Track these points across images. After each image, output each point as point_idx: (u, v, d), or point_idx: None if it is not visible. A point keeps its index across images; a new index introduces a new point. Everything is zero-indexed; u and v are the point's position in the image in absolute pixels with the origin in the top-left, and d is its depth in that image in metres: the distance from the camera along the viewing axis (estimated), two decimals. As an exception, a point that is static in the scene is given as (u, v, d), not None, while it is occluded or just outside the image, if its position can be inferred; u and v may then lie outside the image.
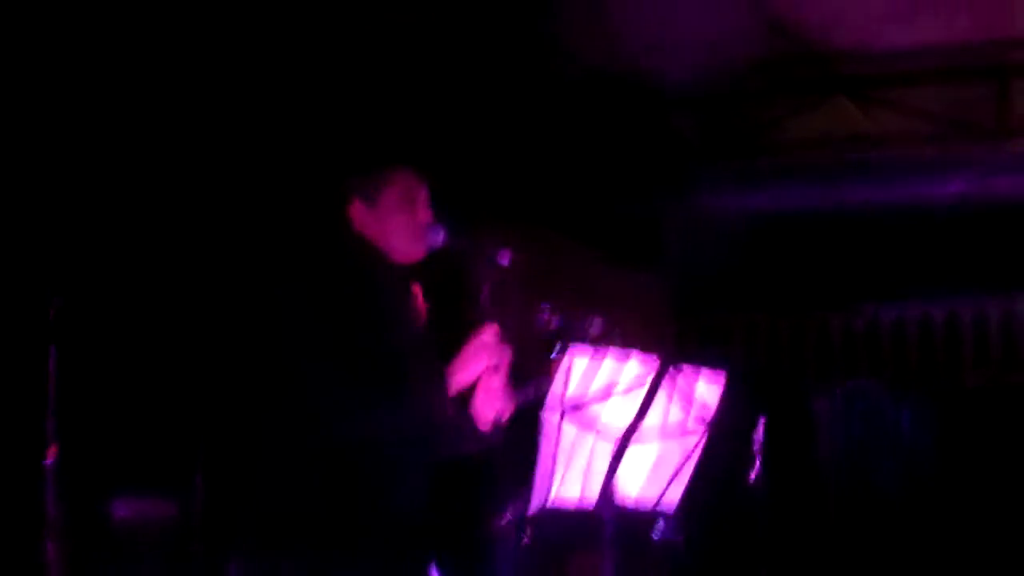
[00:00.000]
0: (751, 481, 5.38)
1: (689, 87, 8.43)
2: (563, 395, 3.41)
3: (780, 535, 5.99)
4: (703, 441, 3.62)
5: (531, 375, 4.23)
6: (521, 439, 3.54)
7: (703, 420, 3.58)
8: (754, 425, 5.32)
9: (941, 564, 8.57)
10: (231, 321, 6.06)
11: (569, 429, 3.44)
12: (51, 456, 4.87)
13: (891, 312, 9.89)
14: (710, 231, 10.13)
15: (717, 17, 7.45)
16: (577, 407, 3.43)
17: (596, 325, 4.24)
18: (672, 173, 9.28)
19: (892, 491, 9.10)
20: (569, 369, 3.41)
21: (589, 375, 3.45)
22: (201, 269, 6.31)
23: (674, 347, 9.38)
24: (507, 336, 3.62)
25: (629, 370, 3.48)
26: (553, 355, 3.42)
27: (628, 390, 3.47)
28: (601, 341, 4.16)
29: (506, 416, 3.59)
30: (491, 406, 3.55)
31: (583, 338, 4.15)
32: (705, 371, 3.60)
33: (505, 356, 3.58)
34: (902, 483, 9.07)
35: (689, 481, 3.65)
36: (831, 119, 8.71)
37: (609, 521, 3.55)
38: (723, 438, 3.96)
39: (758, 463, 5.36)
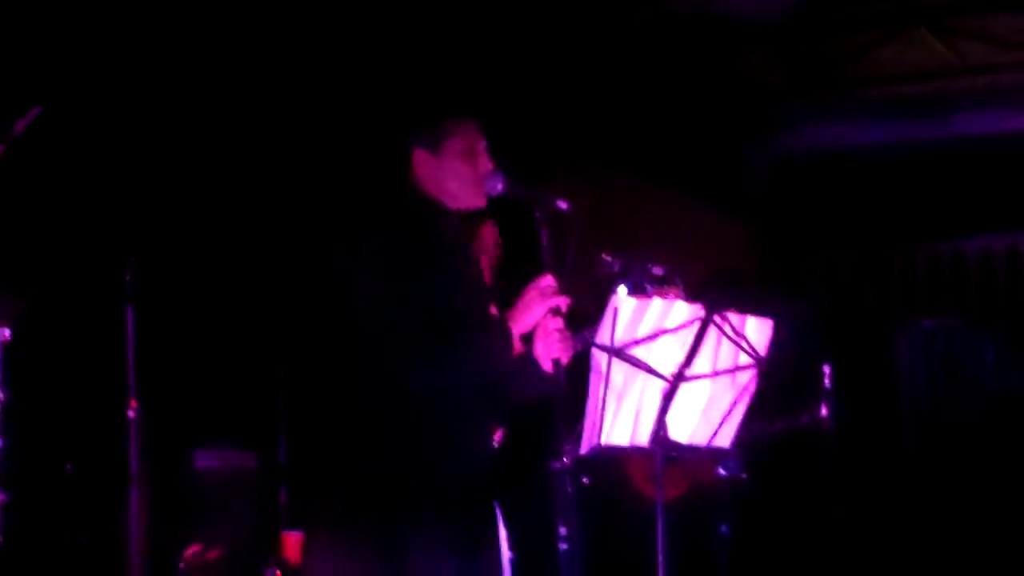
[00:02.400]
0: (820, 420, 5.47)
1: (765, 22, 8.39)
2: (612, 337, 3.49)
3: (854, 475, 6.04)
4: (755, 381, 3.68)
5: (590, 320, 4.36)
6: (578, 382, 3.63)
7: (755, 361, 3.64)
8: (820, 366, 5.40)
9: (1022, 509, 8.54)
10: (303, 275, 6.19)
11: (618, 370, 3.52)
12: (133, 410, 5.08)
13: (977, 245, 9.80)
14: (790, 169, 10.11)
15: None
16: (626, 348, 3.51)
17: (658, 269, 4.36)
18: (749, 110, 9.26)
19: (973, 432, 9.05)
20: (617, 311, 3.48)
21: (637, 317, 3.52)
22: (272, 225, 6.42)
23: (752, 291, 9.37)
24: (566, 282, 3.68)
25: (676, 313, 3.55)
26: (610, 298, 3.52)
27: (676, 333, 3.54)
28: (663, 285, 4.28)
29: (566, 360, 3.63)
30: (551, 350, 3.61)
31: (643, 283, 4.28)
32: (753, 317, 3.65)
33: (564, 301, 3.63)
34: (981, 423, 9.01)
35: (743, 421, 3.71)
36: (911, 51, 8.64)
37: (661, 460, 3.66)
38: (784, 379, 4.05)
39: (826, 403, 5.45)
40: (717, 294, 4.36)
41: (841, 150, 9.89)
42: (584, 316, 4.16)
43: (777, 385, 3.95)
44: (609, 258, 4.36)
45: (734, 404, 3.67)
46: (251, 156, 6.41)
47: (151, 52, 6.00)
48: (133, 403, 5.07)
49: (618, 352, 3.51)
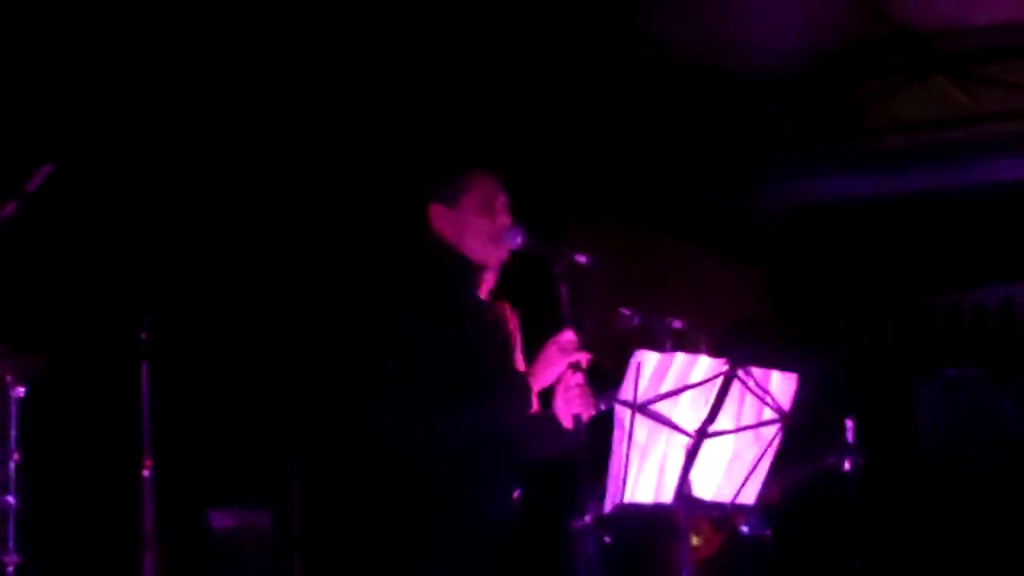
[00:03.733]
0: (844, 473, 5.47)
1: (779, 71, 8.43)
2: (635, 392, 3.51)
3: (875, 525, 6.03)
4: (779, 437, 3.69)
5: (612, 375, 4.38)
6: (600, 439, 3.64)
7: (779, 416, 3.66)
8: (843, 419, 5.40)
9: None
10: (318, 330, 6.22)
11: (641, 427, 3.53)
12: (148, 469, 5.11)
13: (998, 294, 9.79)
14: (806, 219, 10.12)
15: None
16: (649, 404, 3.53)
17: (678, 324, 4.39)
18: (763, 160, 9.27)
19: (993, 481, 9.02)
20: (639, 367, 3.50)
21: (659, 373, 3.54)
22: (286, 280, 6.45)
23: (772, 343, 9.37)
24: (586, 337, 3.71)
25: (699, 369, 3.56)
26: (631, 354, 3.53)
27: (699, 389, 3.56)
28: (682, 340, 4.31)
29: (587, 416, 3.67)
30: (572, 406, 3.65)
31: (663, 338, 4.30)
32: (777, 371, 3.66)
33: (584, 357, 3.68)
34: (1003, 474, 8.98)
35: (767, 476, 3.71)
36: (928, 99, 8.66)
37: (686, 518, 3.67)
38: (807, 432, 4.06)
39: (851, 456, 5.45)
40: (740, 348, 4.39)
41: (858, 199, 9.89)
42: (604, 372, 4.19)
43: (800, 439, 3.96)
44: (628, 312, 4.39)
45: (758, 460, 3.69)
46: (268, 212, 6.45)
47: (166, 110, 6.06)
48: (148, 462, 5.09)
49: (641, 408, 3.53)
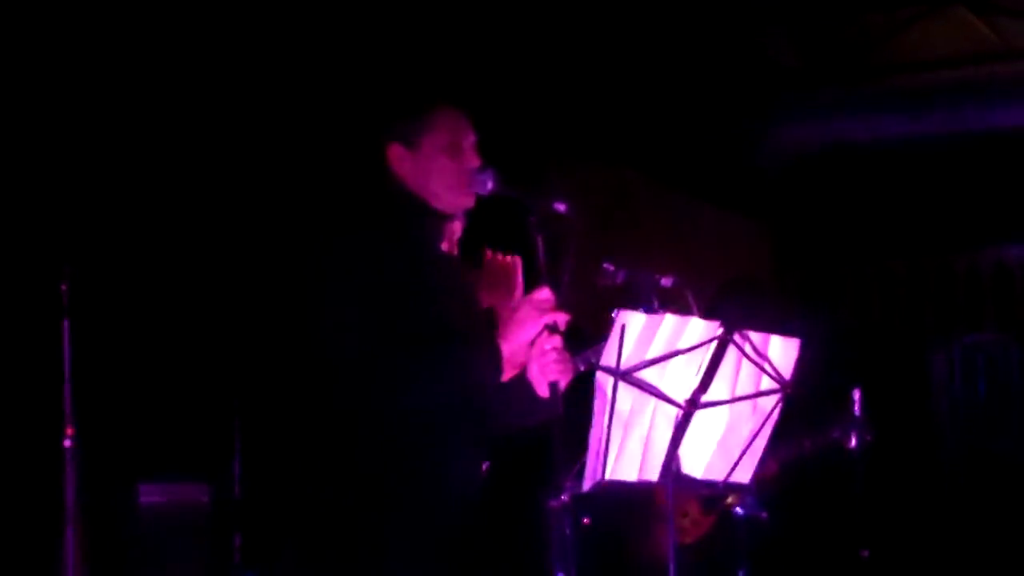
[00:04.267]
0: (850, 449, 5.48)
1: (783, 2, 8.42)
2: (618, 359, 3.49)
3: (884, 509, 6.06)
4: (779, 409, 3.68)
5: (591, 338, 4.35)
6: (578, 409, 3.62)
7: (779, 386, 3.64)
8: (849, 389, 5.41)
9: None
10: (264, 285, 6.20)
11: (625, 396, 3.52)
12: (69, 438, 5.07)
13: (1021, 254, 9.82)
14: (812, 166, 10.12)
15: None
16: (634, 371, 3.50)
17: (666, 281, 4.36)
18: (765, 99, 9.27)
19: (1017, 460, 9.07)
20: (623, 329, 3.48)
21: (646, 337, 3.52)
22: (229, 229, 6.41)
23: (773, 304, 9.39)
24: (565, 295, 3.69)
25: (691, 332, 3.55)
26: (613, 314, 3.52)
27: (691, 354, 3.54)
28: (671, 300, 4.28)
29: (564, 384, 3.65)
30: (547, 372, 3.63)
31: (650, 296, 4.27)
32: (777, 336, 3.65)
33: (562, 317, 3.66)
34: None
35: (764, 452, 3.71)
36: (948, 33, 8.65)
37: (673, 497, 3.66)
38: (810, 404, 4.06)
39: (858, 430, 5.46)
40: (735, 309, 4.37)
41: (868, 145, 9.90)
42: (585, 332, 4.16)
43: (802, 411, 3.96)
44: (612, 268, 4.37)
45: (755, 433, 3.67)
46: (206, 149, 6.41)
47: (85, 41, 6.01)
48: (69, 430, 5.05)
49: (625, 375, 3.50)
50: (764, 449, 3.73)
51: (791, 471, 5.64)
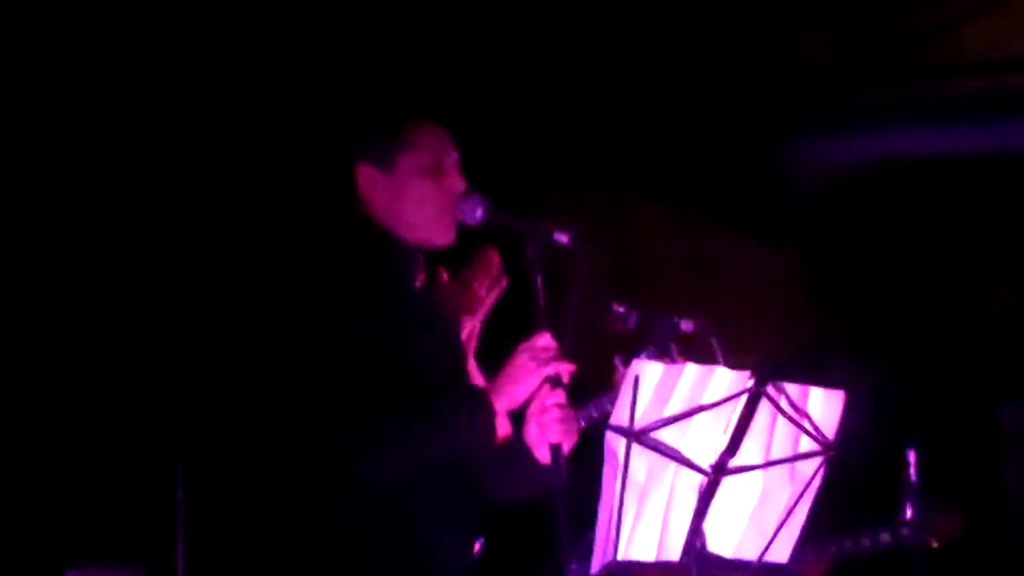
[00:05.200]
0: (904, 523, 5.48)
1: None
2: (631, 416, 3.49)
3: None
4: (822, 474, 3.68)
5: (599, 392, 4.37)
6: (585, 475, 3.63)
7: (821, 447, 3.65)
8: (903, 451, 5.40)
9: None
10: (208, 329, 6.20)
11: (640, 461, 3.52)
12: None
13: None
14: (855, 185, 10.14)
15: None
16: (650, 431, 3.51)
17: (687, 324, 4.39)
18: (798, 108, 9.30)
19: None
20: (638, 382, 3.48)
21: (664, 390, 3.53)
22: (169, 264, 6.43)
23: (815, 343, 9.39)
24: (568, 342, 3.71)
25: (717, 385, 3.56)
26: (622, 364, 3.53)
27: (717, 410, 3.55)
28: (693, 346, 4.31)
29: (568, 446, 3.69)
30: (548, 433, 3.66)
31: (668, 342, 4.30)
32: (817, 389, 3.66)
33: (565, 368, 3.68)
34: None
35: (805, 526, 3.71)
36: (1008, 31, 8.69)
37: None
38: (857, 468, 4.05)
39: (912, 501, 5.46)
40: (770, 358, 4.40)
41: (920, 159, 9.94)
42: (592, 385, 4.18)
43: (848, 478, 3.96)
44: (623, 310, 4.39)
45: (794, 504, 3.68)
46: (143, 170, 6.43)
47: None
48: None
49: (640, 436, 3.50)
50: (804, 524, 3.73)
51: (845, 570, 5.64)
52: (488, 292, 4.41)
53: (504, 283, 4.42)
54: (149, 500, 6.16)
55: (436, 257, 3.96)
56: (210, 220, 6.49)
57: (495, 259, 4.39)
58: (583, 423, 4.29)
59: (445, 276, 4.25)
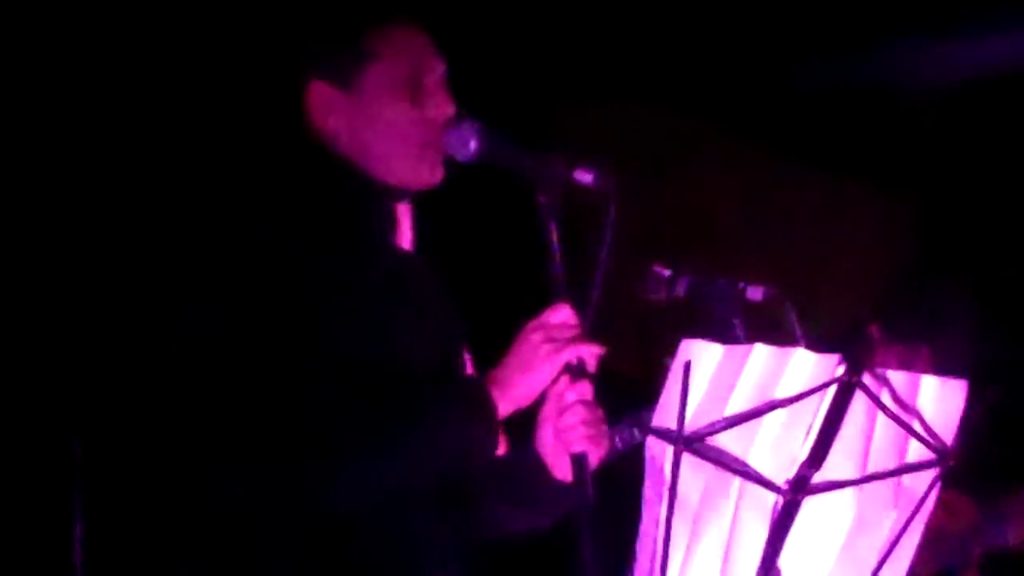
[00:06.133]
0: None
1: None
2: (680, 417, 3.48)
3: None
4: (936, 491, 3.71)
5: (638, 384, 4.40)
6: (618, 496, 3.68)
7: (936, 455, 3.66)
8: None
9: None
10: (110, 308, 6.25)
11: (693, 476, 3.53)
12: None
13: None
14: (982, 109, 10.16)
15: None
16: (706, 436, 3.52)
17: (755, 292, 4.43)
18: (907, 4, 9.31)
19: None
20: (688, 370, 3.47)
21: (724, 381, 3.54)
22: (61, 222, 6.52)
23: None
24: (595, 315, 3.76)
25: (795, 372, 3.56)
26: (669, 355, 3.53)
27: (795, 408, 3.55)
28: (764, 320, 4.35)
29: (597, 459, 3.73)
30: (570, 441, 3.70)
31: (729, 315, 4.34)
32: (931, 378, 3.65)
33: (591, 352, 3.73)
34: None
35: (915, 559, 3.74)
36: None
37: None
38: (981, 483, 4.08)
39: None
40: (866, 335, 4.42)
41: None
42: (626, 378, 4.22)
43: (973, 495, 4.00)
44: (667, 272, 4.43)
45: (900, 532, 3.71)
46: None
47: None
48: None
49: (691, 443, 3.51)
50: (915, 555, 3.77)
51: None
52: None
53: None
54: (43, 528, 6.29)
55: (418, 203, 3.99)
56: (101, 147, 6.54)
57: None
58: (619, 445, 4.33)
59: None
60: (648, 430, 3.53)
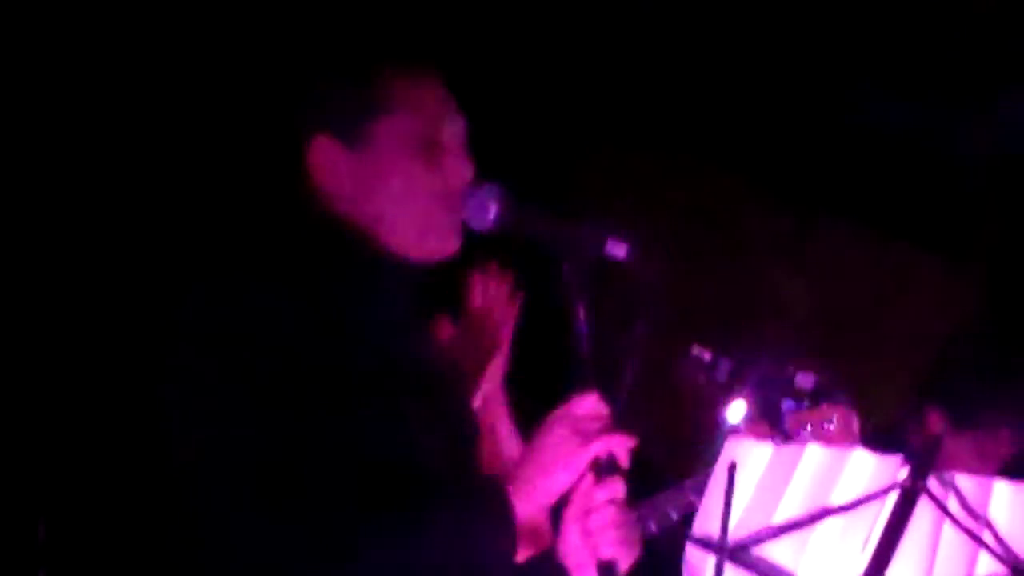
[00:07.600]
0: None
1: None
2: (724, 524, 3.48)
3: None
4: None
5: (674, 483, 4.37)
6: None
7: (1010, 569, 3.62)
8: None
9: None
10: (94, 375, 6.28)
11: None
12: None
13: None
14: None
15: None
16: (753, 545, 3.51)
17: (805, 379, 4.37)
18: (979, 62, 9.34)
19: None
20: (733, 470, 3.49)
21: (773, 483, 3.53)
22: (46, 279, 6.53)
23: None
24: (627, 404, 3.73)
25: (853, 474, 3.55)
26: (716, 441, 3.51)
27: (852, 516, 3.53)
28: (818, 413, 4.29)
29: (627, 564, 3.70)
30: (597, 545, 3.67)
31: (777, 406, 4.29)
32: (1004, 484, 3.63)
33: (622, 445, 3.69)
34: None
35: None
36: None
37: None
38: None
39: None
40: (930, 432, 4.37)
41: None
42: (660, 473, 4.17)
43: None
44: (708, 355, 4.39)
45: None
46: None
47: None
48: None
49: (736, 553, 3.49)
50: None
51: None
52: (499, 322, 4.41)
53: (517, 302, 4.42)
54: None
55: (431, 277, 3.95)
56: (93, 206, 6.58)
57: (494, 268, 4.40)
58: (653, 528, 4.28)
59: (445, 329, 4.26)
60: (688, 538, 3.52)
